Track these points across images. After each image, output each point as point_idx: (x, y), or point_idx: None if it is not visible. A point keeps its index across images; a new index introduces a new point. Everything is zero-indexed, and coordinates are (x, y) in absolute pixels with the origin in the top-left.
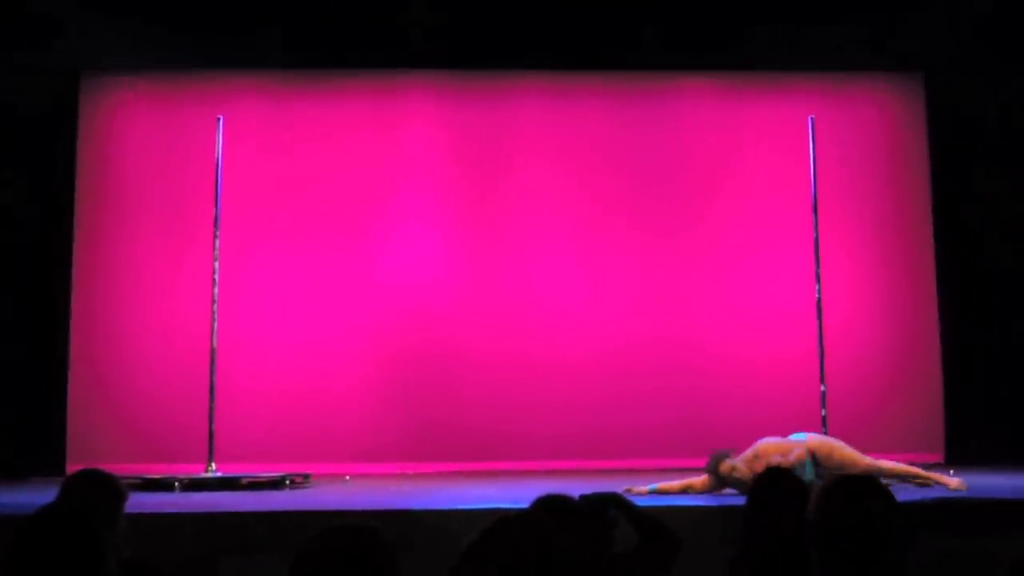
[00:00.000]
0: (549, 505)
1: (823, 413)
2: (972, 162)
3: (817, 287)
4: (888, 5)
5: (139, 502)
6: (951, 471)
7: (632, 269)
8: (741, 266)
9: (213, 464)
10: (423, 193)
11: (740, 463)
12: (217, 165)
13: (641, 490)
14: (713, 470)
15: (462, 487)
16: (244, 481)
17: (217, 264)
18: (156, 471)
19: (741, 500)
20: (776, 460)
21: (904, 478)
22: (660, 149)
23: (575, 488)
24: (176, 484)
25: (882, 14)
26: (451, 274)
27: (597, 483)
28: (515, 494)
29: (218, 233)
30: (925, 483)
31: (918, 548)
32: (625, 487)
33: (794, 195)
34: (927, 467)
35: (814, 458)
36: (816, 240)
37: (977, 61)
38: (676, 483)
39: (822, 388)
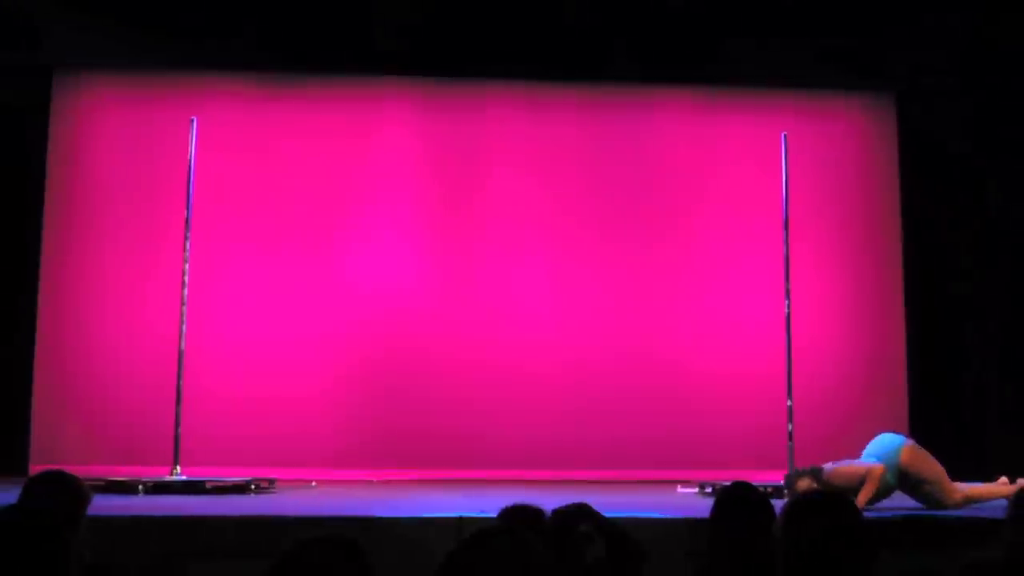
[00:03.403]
0: (517, 516)
1: (789, 428)
2: (941, 182)
3: (786, 302)
4: (862, 26)
5: (102, 504)
6: None
7: (604, 281)
8: (712, 280)
9: (178, 467)
10: (396, 200)
11: (814, 483)
12: (189, 167)
13: None
14: (791, 487)
15: (428, 495)
16: (209, 485)
17: (187, 267)
18: (120, 473)
19: (706, 514)
20: (842, 484)
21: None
22: (633, 162)
23: (542, 498)
24: (140, 487)
25: (856, 35)
26: (422, 282)
27: (565, 493)
28: (481, 503)
29: (188, 235)
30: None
31: (881, 565)
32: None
33: (766, 211)
34: None
35: (901, 471)
36: (786, 256)
37: (948, 83)
38: None
39: (788, 403)
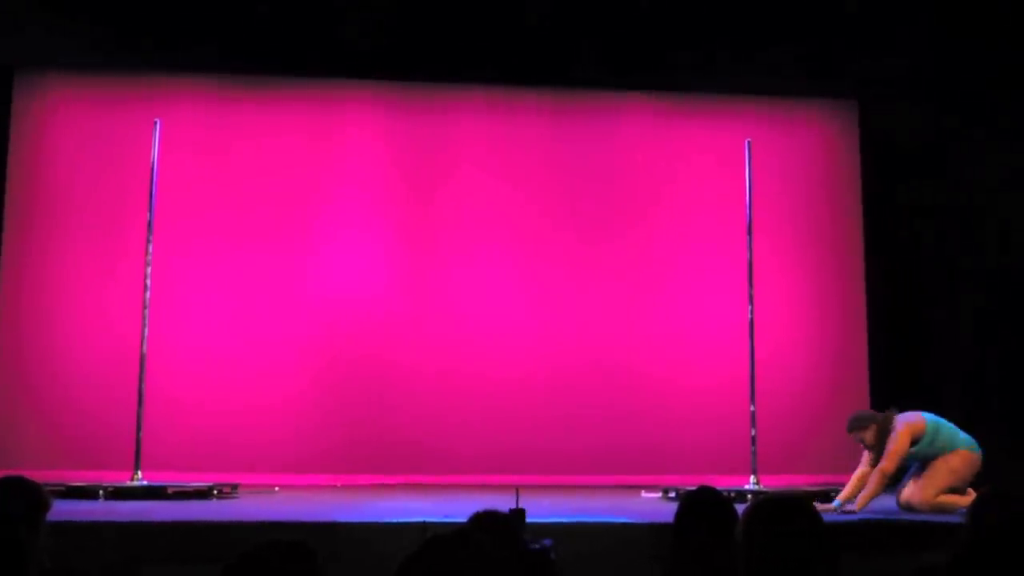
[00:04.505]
0: (486, 522)
1: (753, 433)
2: (904, 188)
3: (750, 308)
4: (825, 33)
5: (62, 510)
6: None
7: (570, 286)
8: (676, 285)
9: (139, 473)
10: (361, 205)
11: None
12: (152, 169)
13: (828, 507)
14: (857, 431)
15: (392, 500)
16: (170, 490)
17: (149, 270)
18: (80, 479)
19: (670, 518)
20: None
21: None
22: (599, 168)
23: (507, 503)
24: (100, 492)
25: (819, 41)
26: (387, 287)
27: (530, 497)
28: (445, 508)
29: (151, 238)
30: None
31: (845, 569)
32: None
33: (730, 217)
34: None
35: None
36: (750, 261)
37: (909, 89)
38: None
39: (752, 408)
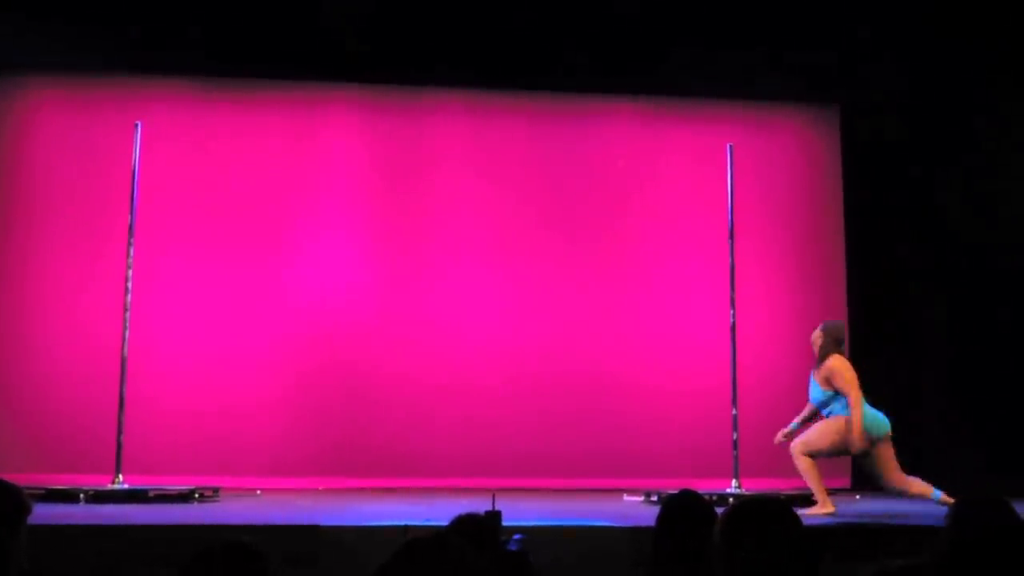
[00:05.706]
0: (467, 525)
1: (734, 437)
2: (884, 193)
3: (731, 312)
4: (807, 39)
5: (42, 513)
6: (857, 496)
7: (551, 290)
8: (659, 289)
9: (120, 476)
10: (342, 207)
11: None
12: (133, 172)
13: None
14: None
15: (372, 503)
16: (151, 494)
17: (130, 272)
18: (61, 482)
19: (652, 522)
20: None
21: None
22: (580, 172)
23: (487, 507)
24: (81, 496)
25: (801, 47)
26: (368, 290)
27: (511, 501)
28: (425, 511)
29: (132, 241)
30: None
31: (825, 572)
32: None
33: (712, 221)
34: (832, 492)
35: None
36: (732, 265)
37: (891, 96)
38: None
39: (734, 412)
